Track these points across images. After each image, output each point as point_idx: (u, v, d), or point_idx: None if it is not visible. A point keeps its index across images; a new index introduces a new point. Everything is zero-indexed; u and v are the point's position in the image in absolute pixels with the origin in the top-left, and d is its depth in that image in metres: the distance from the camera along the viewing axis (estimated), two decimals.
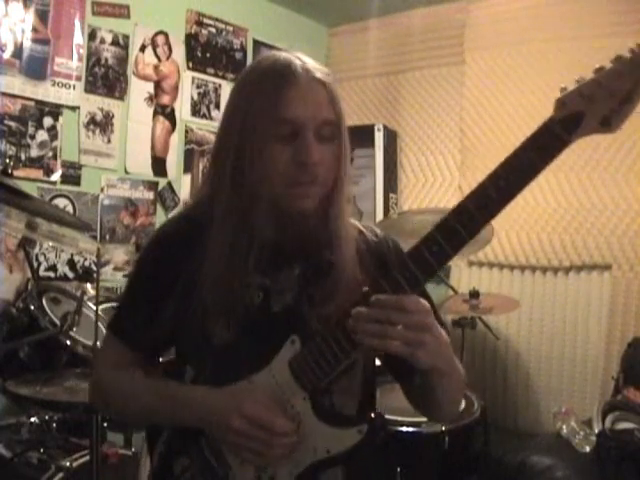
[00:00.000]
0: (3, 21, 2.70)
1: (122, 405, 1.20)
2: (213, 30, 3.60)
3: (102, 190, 3.08)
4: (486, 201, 0.91)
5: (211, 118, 3.57)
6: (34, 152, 2.83)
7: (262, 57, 1.12)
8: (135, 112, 3.22)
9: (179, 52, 3.43)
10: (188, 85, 3.47)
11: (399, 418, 2.25)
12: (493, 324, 3.25)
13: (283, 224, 1.08)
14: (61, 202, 2.91)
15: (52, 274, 2.85)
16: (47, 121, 2.86)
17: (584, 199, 3.20)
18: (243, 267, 1.07)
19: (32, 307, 2.26)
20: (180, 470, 1.12)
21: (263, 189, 1.05)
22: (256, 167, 1.04)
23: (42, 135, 2.85)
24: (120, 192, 3.16)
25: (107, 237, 3.09)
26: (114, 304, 2.60)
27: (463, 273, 3.56)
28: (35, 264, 2.75)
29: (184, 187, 3.44)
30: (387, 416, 2.21)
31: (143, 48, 3.26)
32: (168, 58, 3.38)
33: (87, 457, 1.93)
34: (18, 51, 2.74)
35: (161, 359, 1.25)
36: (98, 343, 2.06)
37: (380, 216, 3.67)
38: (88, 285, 2.73)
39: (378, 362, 1.18)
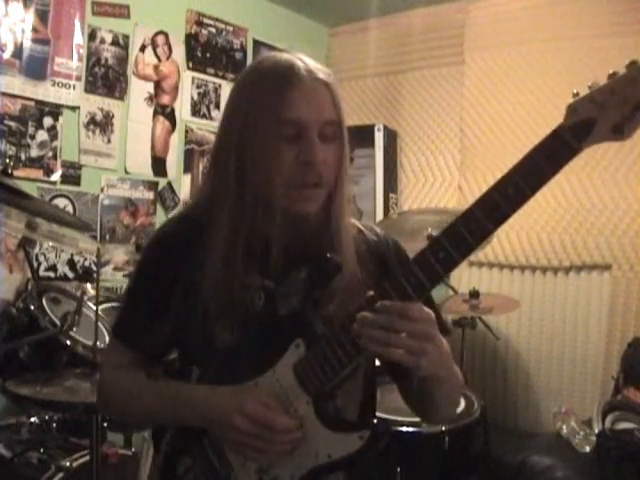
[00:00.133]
0: (3, 21, 2.70)
1: (122, 405, 1.21)
2: (213, 30, 3.60)
3: (102, 190, 3.08)
4: (494, 208, 0.89)
5: (211, 118, 3.57)
6: (34, 152, 2.83)
7: (262, 58, 1.12)
8: (135, 112, 3.22)
9: (179, 52, 3.43)
10: (188, 85, 3.47)
11: (399, 418, 2.25)
12: (493, 324, 3.25)
13: (285, 225, 1.07)
14: (61, 202, 2.91)
15: (52, 274, 2.85)
16: (47, 121, 2.86)
17: (584, 199, 3.21)
18: (242, 268, 1.07)
19: (32, 307, 2.26)
20: (183, 470, 1.12)
21: (265, 190, 1.05)
22: (258, 167, 1.04)
23: (42, 135, 2.85)
24: (120, 192, 3.16)
25: (107, 237, 3.09)
26: (114, 304, 2.60)
27: (463, 273, 3.56)
28: (35, 264, 2.75)
29: (184, 187, 3.44)
30: (387, 416, 2.21)
31: (143, 48, 3.26)
32: (168, 58, 3.38)
33: (87, 457, 1.94)
34: (18, 51, 2.74)
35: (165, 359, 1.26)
36: (98, 343, 2.07)
37: (380, 216, 3.67)
38: (88, 285, 2.73)
39: (377, 362, 1.18)
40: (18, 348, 2.14)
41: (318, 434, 1.03)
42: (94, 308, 2.15)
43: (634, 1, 3.12)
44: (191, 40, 3.49)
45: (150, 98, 3.29)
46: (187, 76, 3.47)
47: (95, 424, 1.85)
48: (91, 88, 3.04)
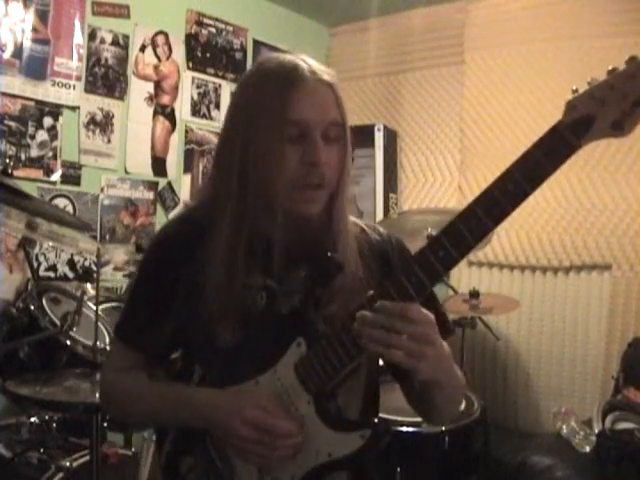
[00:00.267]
0: (3, 21, 2.70)
1: (123, 407, 1.21)
2: (213, 30, 3.60)
3: (102, 190, 3.08)
4: (493, 206, 0.88)
5: (211, 118, 3.57)
6: (34, 152, 2.83)
7: (265, 59, 1.12)
8: (135, 112, 3.22)
9: (179, 52, 3.43)
10: (188, 85, 3.47)
11: (399, 418, 2.25)
12: (493, 324, 3.25)
13: (286, 225, 1.07)
14: (61, 202, 2.91)
15: (52, 274, 2.85)
16: (47, 121, 2.86)
17: (584, 199, 3.21)
18: (244, 269, 1.07)
19: (32, 307, 2.26)
20: (186, 469, 1.12)
21: (267, 190, 1.05)
22: (260, 168, 1.04)
23: (42, 135, 2.85)
24: (120, 192, 3.16)
25: (107, 237, 3.09)
26: (114, 304, 2.60)
27: (463, 273, 3.56)
28: (35, 264, 2.75)
29: (184, 187, 3.44)
30: (387, 416, 2.21)
31: (143, 48, 3.26)
32: (168, 58, 3.38)
33: (87, 457, 1.94)
34: (18, 51, 2.74)
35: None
36: (98, 343, 2.07)
37: (380, 216, 3.67)
38: (88, 285, 2.72)
39: (381, 362, 1.18)
40: (18, 348, 2.14)
41: (319, 433, 1.03)
42: (94, 308, 2.15)
43: (634, 1, 3.12)
44: (191, 40, 3.49)
45: (150, 98, 3.29)
46: (187, 76, 3.47)
47: (95, 424, 1.85)
48: (91, 88, 3.04)
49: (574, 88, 0.86)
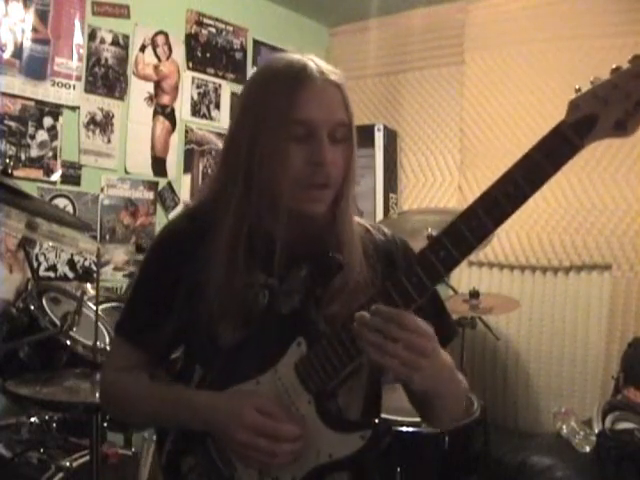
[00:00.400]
0: (3, 21, 2.70)
1: (123, 407, 1.21)
2: (213, 30, 3.60)
3: (102, 190, 3.08)
4: (494, 206, 0.87)
5: (211, 118, 3.57)
6: (34, 152, 2.83)
7: (274, 58, 1.12)
8: (135, 112, 3.22)
9: (179, 52, 3.43)
10: (188, 85, 3.47)
11: (399, 418, 2.25)
12: (493, 324, 3.25)
13: (290, 224, 1.07)
14: (61, 202, 2.91)
15: (52, 274, 2.85)
16: (47, 121, 2.86)
17: (584, 199, 3.21)
18: (246, 268, 1.07)
19: (32, 307, 2.26)
20: (187, 469, 1.12)
21: (272, 189, 1.05)
22: (266, 167, 1.04)
23: (42, 135, 2.85)
24: (120, 192, 3.16)
25: (107, 237, 3.09)
26: (114, 304, 2.60)
27: (463, 273, 3.56)
28: (35, 264, 2.75)
29: (184, 187, 3.44)
30: (387, 416, 2.21)
31: (143, 48, 3.26)
32: (168, 58, 3.38)
33: (87, 457, 1.94)
34: (18, 51, 2.74)
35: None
36: (98, 343, 2.07)
37: (380, 216, 3.67)
38: (88, 285, 2.73)
39: None
40: (18, 348, 2.14)
41: (319, 434, 1.02)
42: (94, 308, 2.15)
43: (634, 1, 3.12)
44: (191, 40, 3.49)
45: (150, 98, 3.29)
46: (187, 76, 3.47)
47: (95, 424, 1.85)
48: (91, 88, 3.04)
49: (577, 87, 0.85)
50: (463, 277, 3.55)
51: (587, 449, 2.49)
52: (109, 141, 3.10)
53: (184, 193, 3.42)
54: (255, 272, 1.08)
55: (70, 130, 2.96)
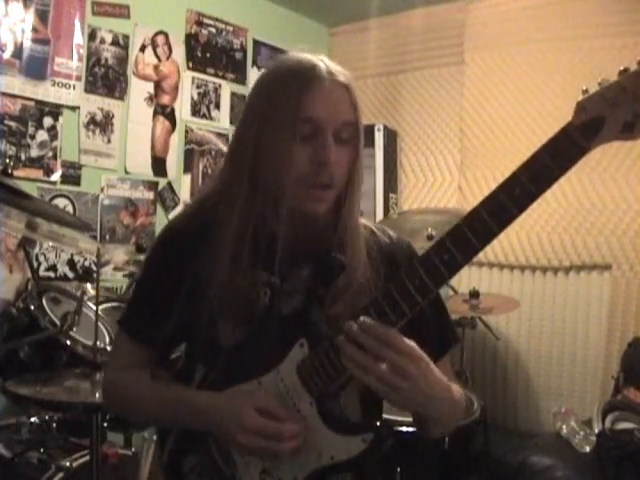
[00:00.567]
0: (3, 21, 2.70)
1: (124, 406, 1.22)
2: (213, 30, 3.59)
3: (102, 190, 3.08)
4: (499, 209, 0.86)
5: (211, 118, 3.57)
6: (34, 152, 2.83)
7: (284, 57, 1.12)
8: (135, 112, 3.22)
9: (179, 52, 3.43)
10: (188, 85, 3.47)
11: (399, 418, 2.24)
12: (493, 324, 3.25)
13: (292, 223, 1.06)
14: (61, 202, 2.91)
15: (52, 274, 2.85)
16: (47, 121, 2.86)
17: (584, 199, 3.21)
18: (248, 266, 1.06)
19: (32, 307, 2.26)
20: (188, 469, 1.12)
21: (275, 188, 1.05)
22: (270, 165, 1.04)
23: (42, 135, 2.85)
24: (120, 192, 3.16)
25: (107, 237, 3.09)
26: (114, 304, 2.60)
27: (463, 273, 3.56)
28: (35, 264, 2.75)
29: (184, 187, 3.43)
30: (387, 416, 2.21)
31: (143, 48, 3.25)
32: (168, 58, 3.38)
33: (87, 457, 1.94)
34: (18, 51, 2.74)
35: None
36: (98, 343, 2.07)
37: (380, 216, 3.67)
38: (88, 285, 2.72)
39: None
40: (18, 348, 2.14)
41: (321, 436, 1.02)
42: (94, 308, 2.15)
43: (634, 1, 3.12)
44: (191, 40, 3.49)
45: (150, 98, 3.29)
46: (187, 76, 3.47)
47: (95, 424, 1.85)
48: (91, 88, 3.04)
49: (584, 89, 0.84)
50: (463, 277, 3.55)
51: (587, 449, 2.49)
52: (109, 141, 3.10)
53: (184, 193, 3.42)
54: (257, 270, 1.08)
55: (70, 130, 2.96)
